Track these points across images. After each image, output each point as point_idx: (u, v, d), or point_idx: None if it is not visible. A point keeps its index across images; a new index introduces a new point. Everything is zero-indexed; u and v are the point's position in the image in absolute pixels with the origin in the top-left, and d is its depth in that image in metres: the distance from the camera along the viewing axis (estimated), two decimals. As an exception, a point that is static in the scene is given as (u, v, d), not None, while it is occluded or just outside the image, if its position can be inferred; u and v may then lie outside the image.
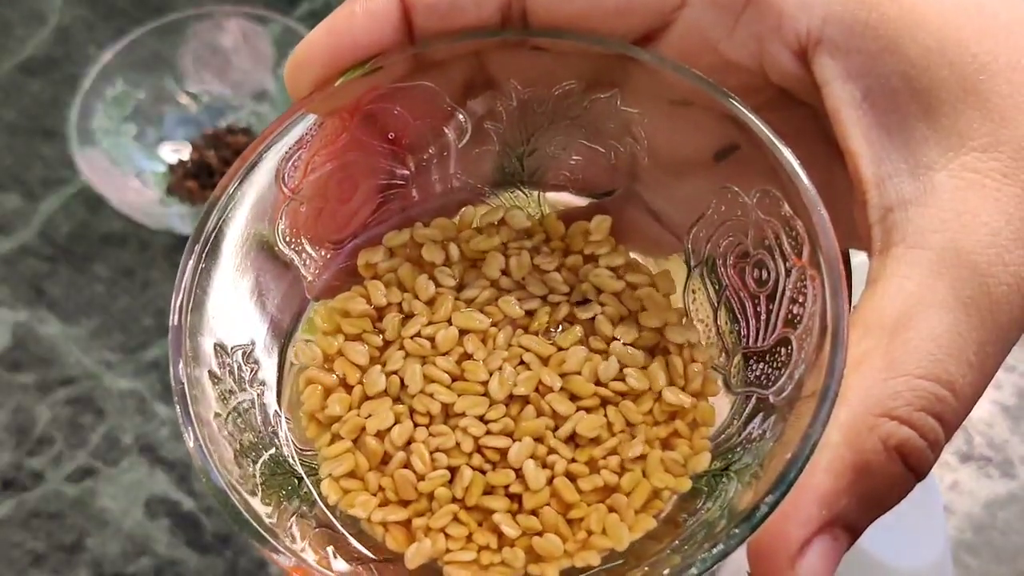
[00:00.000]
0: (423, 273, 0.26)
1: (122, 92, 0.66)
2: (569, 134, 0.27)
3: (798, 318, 0.23)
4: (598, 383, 0.25)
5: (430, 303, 0.26)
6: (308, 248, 0.27)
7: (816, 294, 0.22)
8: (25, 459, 0.57)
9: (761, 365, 0.24)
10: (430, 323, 0.26)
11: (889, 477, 0.21)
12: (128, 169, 0.65)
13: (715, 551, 0.20)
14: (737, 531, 0.20)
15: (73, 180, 0.68)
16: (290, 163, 0.26)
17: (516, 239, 0.27)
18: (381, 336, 0.26)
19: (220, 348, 0.25)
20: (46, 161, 0.69)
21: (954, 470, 0.56)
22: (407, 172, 0.27)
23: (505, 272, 0.26)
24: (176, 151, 0.68)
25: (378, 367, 0.25)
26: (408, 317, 0.26)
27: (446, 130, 0.27)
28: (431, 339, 0.25)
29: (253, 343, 0.25)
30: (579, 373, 0.25)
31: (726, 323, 0.25)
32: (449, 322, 0.26)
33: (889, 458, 0.21)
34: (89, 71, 0.64)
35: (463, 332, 0.25)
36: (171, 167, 0.67)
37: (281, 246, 0.26)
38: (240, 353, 0.25)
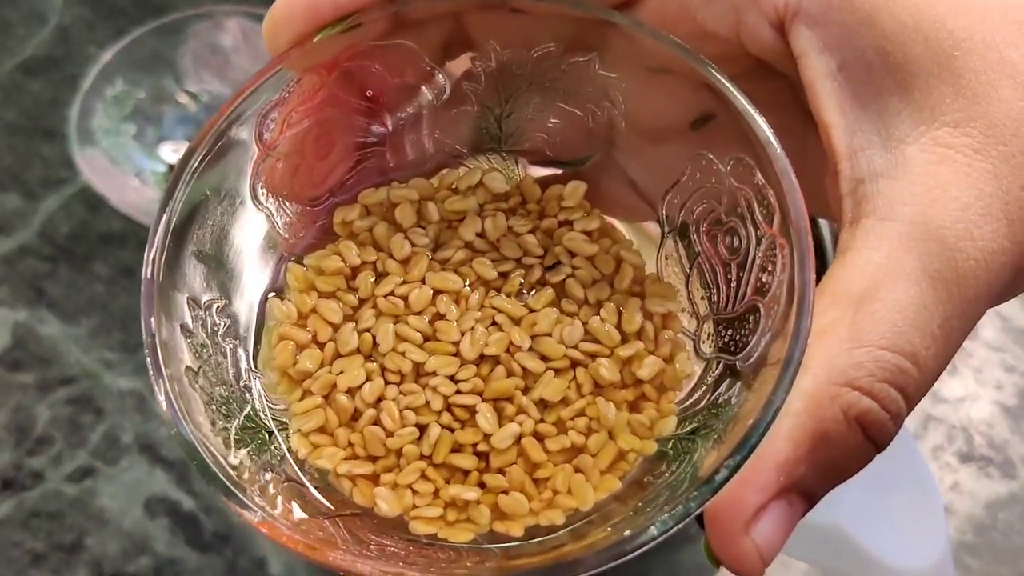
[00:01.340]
0: (398, 233, 0.26)
1: (122, 92, 0.66)
2: (547, 96, 0.27)
3: (767, 286, 0.23)
4: (568, 346, 0.25)
5: (404, 263, 0.26)
6: (284, 205, 0.27)
7: (785, 263, 0.22)
8: (25, 459, 0.57)
9: (730, 331, 0.24)
10: (404, 282, 0.26)
11: (849, 447, 0.22)
12: (128, 169, 0.65)
13: (676, 512, 0.20)
14: (697, 493, 0.21)
15: (73, 180, 0.67)
16: (267, 119, 0.26)
17: (492, 201, 0.27)
18: (355, 294, 0.26)
19: (193, 302, 0.25)
20: (46, 161, 0.69)
21: (955, 471, 0.56)
22: (384, 130, 0.27)
23: (481, 234, 0.26)
24: (176, 151, 0.68)
25: (351, 325, 0.26)
26: (382, 276, 0.26)
27: (424, 89, 0.27)
28: (404, 298, 0.26)
29: (228, 299, 0.26)
30: (549, 335, 0.25)
31: (697, 289, 0.26)
32: (423, 282, 0.26)
33: (849, 428, 0.21)
34: (89, 71, 0.64)
35: (437, 292, 0.26)
36: (171, 167, 0.67)
37: (258, 202, 0.26)
38: (214, 308, 0.25)
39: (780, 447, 0.21)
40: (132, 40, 0.65)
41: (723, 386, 0.24)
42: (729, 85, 0.23)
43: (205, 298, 0.25)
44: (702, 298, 0.25)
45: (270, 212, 0.26)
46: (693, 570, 0.45)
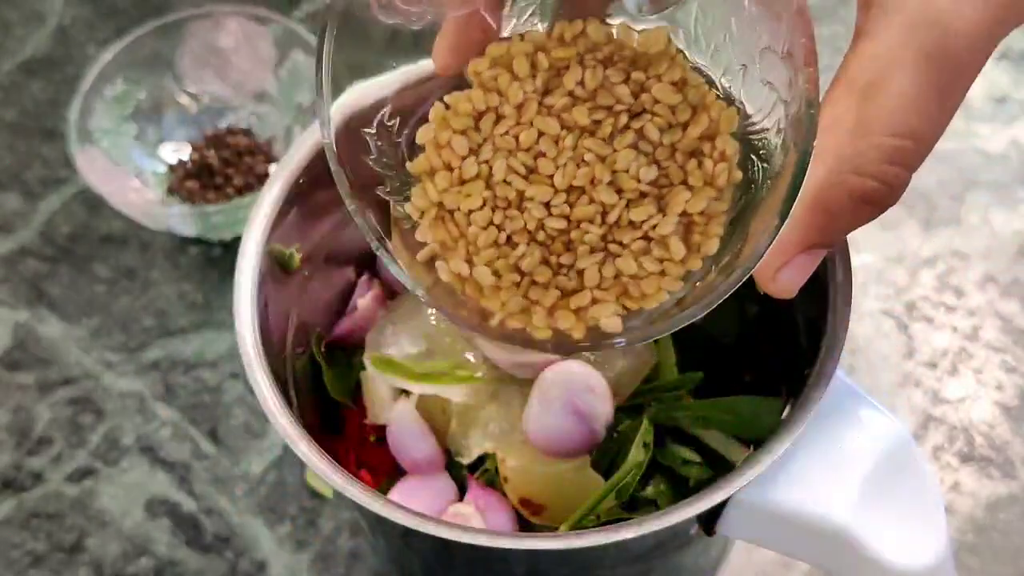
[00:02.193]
0: (515, 81, 0.31)
1: (122, 92, 0.66)
2: None
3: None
4: (641, 181, 0.30)
5: (519, 107, 0.31)
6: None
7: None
8: (25, 459, 0.57)
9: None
10: (517, 123, 0.31)
11: (855, 216, 0.27)
12: (128, 169, 0.65)
13: (737, 274, 0.28)
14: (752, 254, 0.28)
15: (73, 180, 0.67)
16: None
17: (592, 51, 0.32)
18: (479, 133, 0.32)
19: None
20: (46, 161, 0.69)
21: (955, 471, 0.56)
22: None
23: (580, 83, 0.31)
24: (176, 151, 0.68)
25: (473, 158, 0.31)
26: (501, 118, 0.31)
27: None
28: (516, 137, 0.31)
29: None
30: (627, 171, 0.30)
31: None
32: (531, 124, 0.31)
33: (854, 204, 0.26)
34: (89, 71, 0.64)
35: (541, 134, 0.31)
36: (171, 167, 0.67)
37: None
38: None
39: (795, 225, 0.27)
40: (132, 40, 0.65)
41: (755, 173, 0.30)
42: None
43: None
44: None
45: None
46: (693, 570, 0.45)
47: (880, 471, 0.35)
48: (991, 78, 0.71)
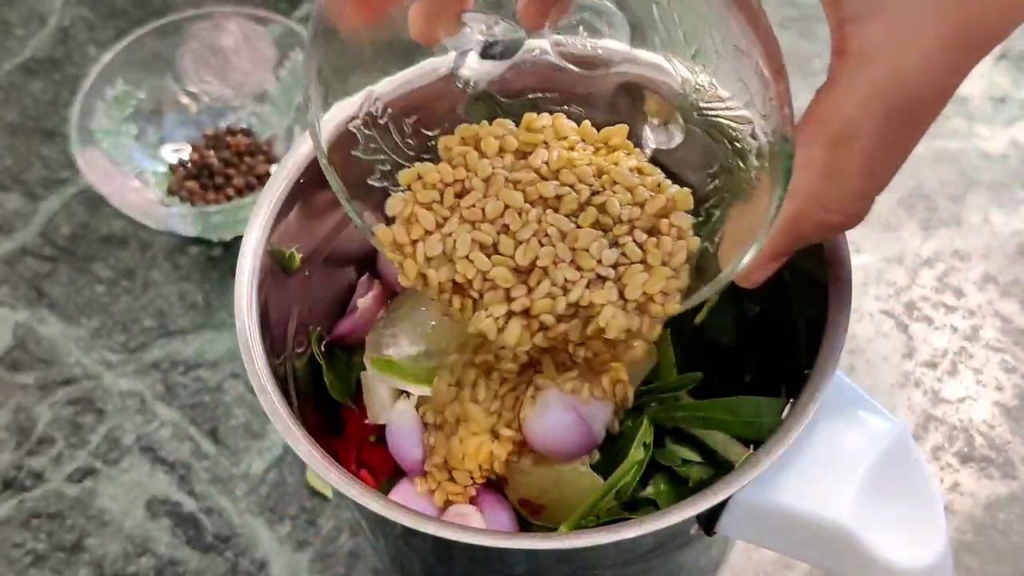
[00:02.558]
0: (484, 158, 0.34)
1: (122, 92, 0.66)
2: None
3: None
4: (601, 262, 0.32)
5: (486, 181, 0.33)
6: None
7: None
8: (25, 459, 0.57)
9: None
10: (484, 195, 0.33)
11: (821, 237, 0.32)
12: (129, 169, 0.65)
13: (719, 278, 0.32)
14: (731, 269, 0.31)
15: (74, 180, 0.68)
16: None
17: (558, 137, 0.34)
18: (444, 206, 0.34)
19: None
20: (46, 161, 0.69)
21: (955, 471, 0.56)
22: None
23: (546, 163, 0.33)
24: (177, 151, 0.68)
25: (438, 234, 0.33)
26: (467, 191, 0.33)
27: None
28: (483, 209, 0.33)
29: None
30: (587, 250, 0.32)
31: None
32: (497, 197, 0.33)
33: (817, 232, 0.31)
34: (89, 71, 0.64)
35: (507, 207, 0.33)
36: (172, 168, 0.67)
37: None
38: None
39: (769, 242, 0.31)
40: (132, 41, 0.65)
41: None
42: None
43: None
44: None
45: None
46: (693, 570, 0.45)
47: (880, 471, 0.35)
48: (991, 78, 0.72)
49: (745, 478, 0.33)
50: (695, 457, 0.40)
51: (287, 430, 0.34)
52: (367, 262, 0.46)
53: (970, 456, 0.56)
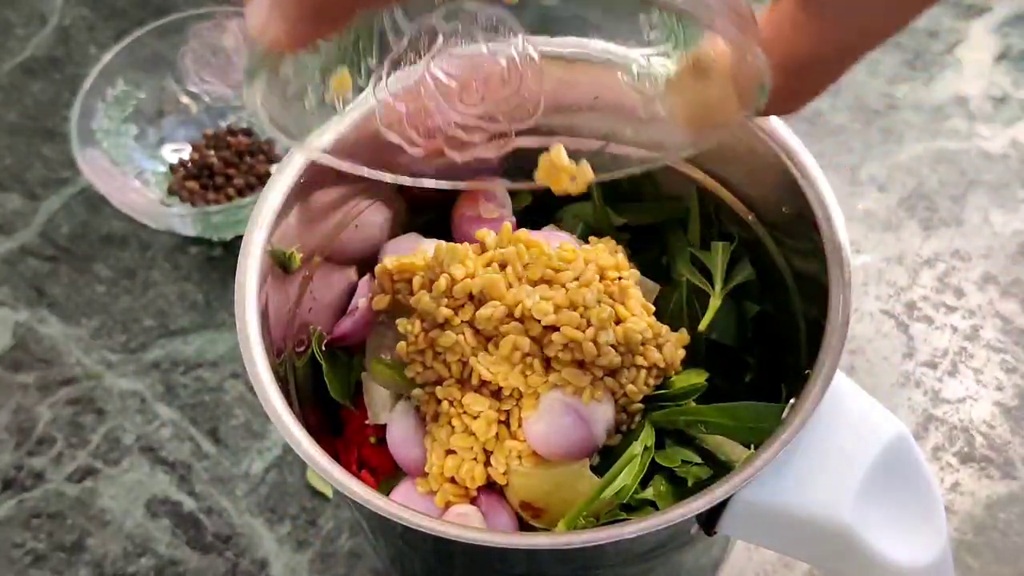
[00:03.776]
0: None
1: (123, 92, 0.66)
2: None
3: None
4: None
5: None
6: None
7: None
8: (25, 459, 0.57)
9: None
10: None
11: None
12: (129, 169, 0.65)
13: None
14: None
15: (74, 180, 0.68)
16: None
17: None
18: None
19: None
20: (47, 161, 0.69)
21: (955, 471, 0.56)
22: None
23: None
24: (177, 151, 0.68)
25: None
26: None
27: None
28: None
29: None
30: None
31: None
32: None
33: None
34: (90, 71, 0.64)
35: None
36: (172, 168, 0.67)
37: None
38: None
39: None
40: (133, 41, 0.65)
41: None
42: None
43: None
44: None
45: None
46: (693, 570, 0.45)
47: (880, 471, 0.35)
48: (991, 78, 0.72)
49: (745, 478, 0.33)
50: (695, 458, 0.40)
51: (287, 430, 0.34)
52: (368, 263, 0.46)
53: (970, 456, 0.56)
